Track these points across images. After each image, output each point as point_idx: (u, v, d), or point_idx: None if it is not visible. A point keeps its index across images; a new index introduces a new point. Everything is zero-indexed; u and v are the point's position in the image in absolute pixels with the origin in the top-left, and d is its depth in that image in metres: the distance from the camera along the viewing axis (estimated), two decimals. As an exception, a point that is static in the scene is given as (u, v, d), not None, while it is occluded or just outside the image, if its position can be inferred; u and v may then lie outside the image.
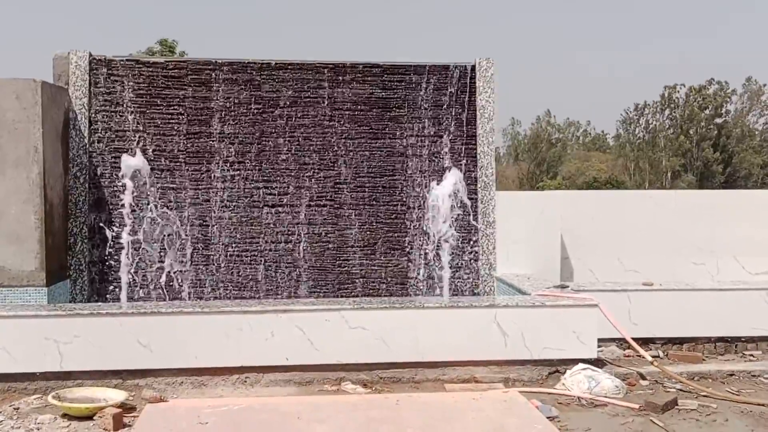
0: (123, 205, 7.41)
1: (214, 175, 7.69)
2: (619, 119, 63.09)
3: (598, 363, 5.90)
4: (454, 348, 5.77)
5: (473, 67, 8.01)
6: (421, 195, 7.89)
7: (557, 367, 5.87)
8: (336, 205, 7.84)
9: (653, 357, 6.13)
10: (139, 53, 23.55)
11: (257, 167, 7.76)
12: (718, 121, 56.06)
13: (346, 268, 7.80)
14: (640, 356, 6.02)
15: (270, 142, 7.79)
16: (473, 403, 5.22)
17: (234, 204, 7.71)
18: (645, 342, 6.44)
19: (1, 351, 5.30)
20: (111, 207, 7.51)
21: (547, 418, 4.90)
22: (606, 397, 5.39)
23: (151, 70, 7.67)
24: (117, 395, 5.13)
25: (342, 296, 7.59)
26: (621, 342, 6.39)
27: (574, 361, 5.81)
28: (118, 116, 7.60)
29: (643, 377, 5.93)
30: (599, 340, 5.99)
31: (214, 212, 7.68)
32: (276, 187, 7.77)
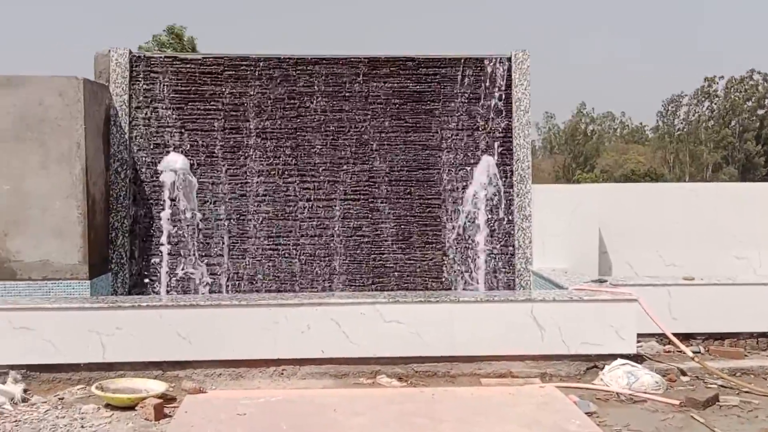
0: (162, 200, 7.53)
1: (251, 170, 7.77)
2: (658, 111, 62.00)
3: (637, 358, 5.82)
4: (489, 342, 5.74)
5: (509, 59, 7.95)
6: (456, 188, 7.87)
7: (595, 362, 5.80)
8: (371, 199, 7.86)
9: (694, 353, 6.03)
10: (149, 45, 23.52)
11: (293, 162, 7.81)
12: (761, 112, 54.73)
13: (380, 262, 7.82)
14: (680, 352, 5.93)
15: (305, 137, 7.84)
16: (509, 397, 5.20)
17: (270, 198, 7.78)
18: (685, 337, 6.34)
19: (46, 342, 5.42)
20: (151, 202, 7.63)
21: (585, 413, 4.85)
22: (645, 393, 5.31)
23: (188, 66, 7.77)
24: (158, 386, 5.22)
25: (377, 290, 7.61)
26: (661, 337, 6.29)
27: (613, 357, 5.74)
28: (157, 112, 7.72)
29: (683, 373, 5.84)
30: (638, 335, 5.90)
31: (251, 206, 7.76)
32: (311, 181, 7.82)
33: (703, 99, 57.45)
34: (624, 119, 65.02)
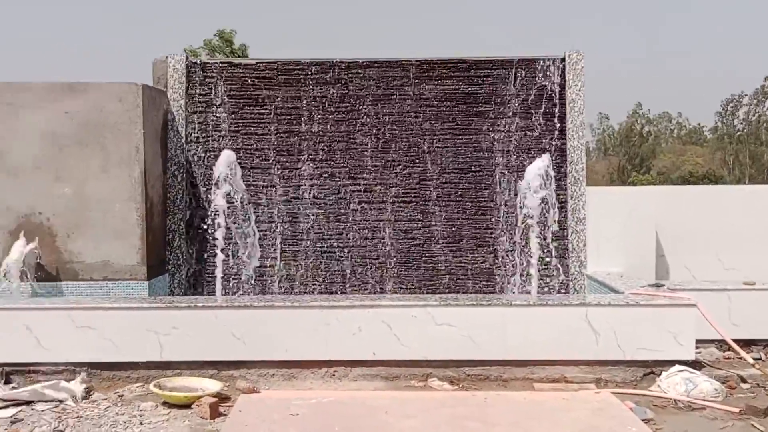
0: (217, 203, 7.66)
1: (303, 173, 7.86)
2: (717, 111, 60.27)
3: (695, 365, 5.67)
4: (543, 346, 5.68)
5: (563, 60, 7.85)
6: (508, 191, 7.80)
7: (652, 368, 5.68)
8: (422, 202, 7.86)
9: (755, 359, 5.85)
10: (200, 49, 23.88)
11: (344, 164, 7.87)
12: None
13: (431, 264, 7.81)
14: (740, 358, 5.75)
15: (357, 140, 7.89)
16: (563, 402, 5.13)
17: (321, 201, 7.86)
18: (746, 344, 6.14)
19: (106, 341, 5.58)
20: (206, 204, 7.79)
21: (642, 420, 4.76)
22: (704, 400, 5.18)
23: (242, 71, 7.91)
24: (213, 385, 5.32)
25: (428, 292, 7.61)
26: (720, 343, 6.12)
27: (671, 363, 5.61)
28: (212, 117, 7.87)
29: (743, 380, 5.67)
30: (697, 341, 5.74)
31: (303, 209, 7.84)
32: (362, 183, 7.86)
33: (764, 99, 55.63)
34: (681, 120, 63.47)
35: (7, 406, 5.00)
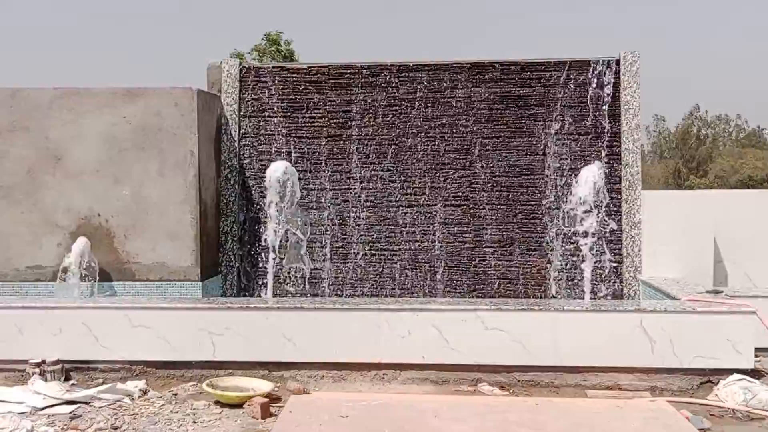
0: (269, 206, 7.77)
1: (353, 176, 7.90)
2: (778, 112, 58.17)
3: (755, 374, 5.49)
4: (596, 353, 5.57)
5: (617, 62, 7.72)
6: (560, 195, 7.70)
7: (709, 377, 5.52)
8: (472, 205, 7.82)
9: (819, 370, 5.64)
10: (250, 53, 24.18)
11: (394, 167, 7.89)
12: None
13: (482, 268, 7.76)
14: (804, 369, 5.55)
15: (407, 143, 7.90)
16: (617, 410, 5.03)
17: (372, 204, 7.89)
18: (809, 353, 5.93)
19: (161, 340, 5.70)
20: (258, 207, 7.90)
21: (699, 430, 4.63)
22: (764, 410, 5.00)
23: (294, 75, 8.01)
24: (264, 385, 5.38)
25: (478, 296, 7.56)
26: (782, 353, 5.92)
27: (729, 371, 5.44)
28: (265, 121, 7.99)
29: (807, 391, 5.46)
30: (757, 349, 5.57)
31: (353, 212, 7.88)
32: (412, 187, 7.87)
33: (830, 99, 53.57)
34: (740, 122, 61.61)
35: (66, 402, 5.15)
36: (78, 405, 5.12)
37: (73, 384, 5.54)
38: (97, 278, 6.98)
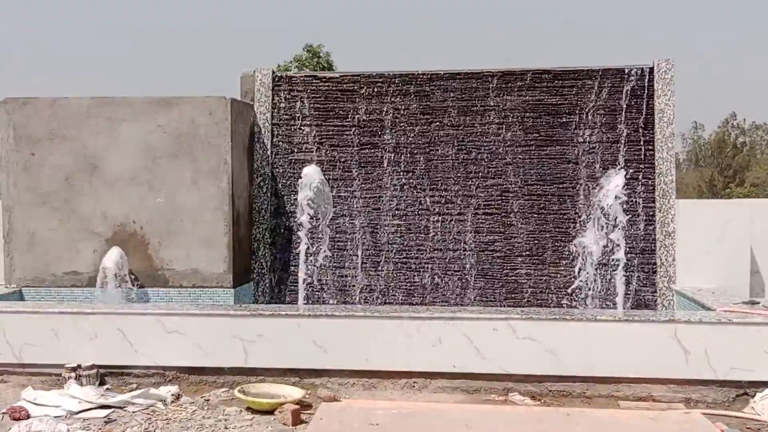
0: (301, 214, 7.81)
1: (385, 184, 7.92)
2: (818, 120, 56.92)
3: (793, 387, 5.38)
4: (628, 364, 5.51)
5: (651, 70, 7.64)
6: (593, 203, 7.63)
7: (746, 389, 5.41)
8: (503, 214, 7.78)
9: None
10: (290, 64, 24.42)
11: (425, 176, 7.89)
12: None
13: (513, 277, 7.71)
14: None
15: (438, 151, 7.90)
16: (651, 422, 4.96)
17: (403, 212, 7.90)
18: None
19: (194, 346, 5.77)
20: (290, 215, 7.97)
21: (735, 443, 4.55)
22: (804, 425, 4.90)
23: (327, 84, 8.07)
24: (295, 392, 5.41)
25: (509, 305, 7.51)
26: (822, 366, 5.77)
27: (766, 384, 5.33)
28: (298, 129, 8.06)
29: None
30: (795, 362, 5.46)
31: (384, 220, 7.90)
32: (444, 195, 7.86)
33: None
34: (779, 130, 60.34)
35: (101, 406, 5.24)
36: (112, 409, 5.21)
37: (107, 389, 5.63)
38: (132, 285, 7.09)
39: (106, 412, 5.16)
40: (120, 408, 5.23)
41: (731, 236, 7.21)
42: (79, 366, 5.66)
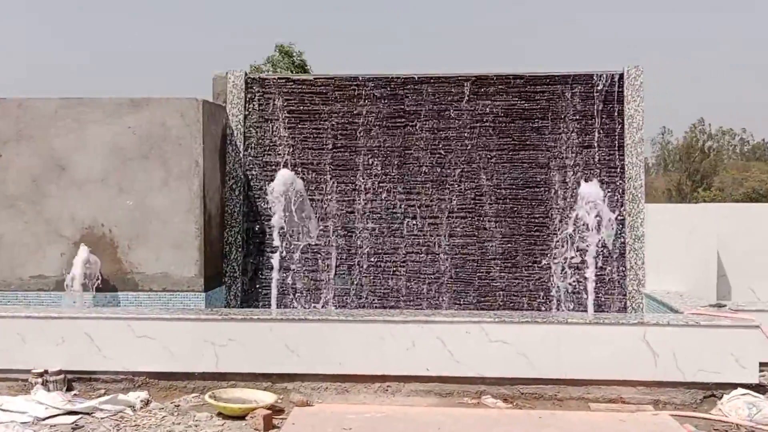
0: (273, 217, 7.76)
1: (358, 188, 7.91)
2: (782, 126, 58.07)
3: (759, 388, 5.47)
4: (599, 366, 5.56)
5: (621, 76, 7.73)
6: (564, 208, 7.70)
7: (713, 391, 5.50)
8: (477, 217, 7.82)
9: (825, 385, 5.61)
10: (265, 65, 24.26)
11: (399, 179, 7.90)
12: None
13: (486, 281, 7.75)
14: (809, 384, 5.52)
15: (412, 155, 7.91)
16: (620, 424, 5.01)
17: (376, 215, 7.89)
18: (814, 368, 5.90)
19: (164, 351, 5.70)
20: (263, 218, 7.91)
21: (703, 445, 4.61)
22: (769, 426, 4.99)
23: (300, 87, 8.04)
24: (267, 397, 5.37)
25: (482, 309, 7.54)
26: (786, 367, 5.89)
27: (733, 386, 5.42)
28: (270, 131, 8.01)
29: (812, 407, 5.43)
30: (761, 363, 5.55)
31: (358, 223, 7.88)
32: (417, 199, 7.87)
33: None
34: (745, 135, 61.57)
35: (68, 412, 5.14)
36: (80, 416, 5.12)
37: (75, 394, 5.54)
38: (100, 288, 6.98)
39: (73, 418, 5.07)
40: (88, 414, 5.15)
41: (699, 240, 7.32)
42: (46, 371, 5.57)
